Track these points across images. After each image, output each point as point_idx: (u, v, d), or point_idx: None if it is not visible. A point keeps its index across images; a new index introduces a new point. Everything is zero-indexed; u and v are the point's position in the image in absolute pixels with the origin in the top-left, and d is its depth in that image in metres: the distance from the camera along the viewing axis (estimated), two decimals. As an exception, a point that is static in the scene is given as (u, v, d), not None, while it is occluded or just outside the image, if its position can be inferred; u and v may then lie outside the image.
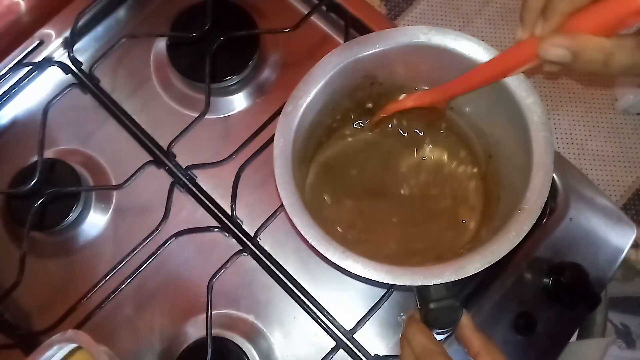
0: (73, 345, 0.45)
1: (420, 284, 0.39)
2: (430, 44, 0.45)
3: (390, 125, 0.53)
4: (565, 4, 0.33)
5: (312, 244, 0.40)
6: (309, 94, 0.44)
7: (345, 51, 0.45)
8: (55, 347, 0.44)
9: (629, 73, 0.33)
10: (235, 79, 0.60)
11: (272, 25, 0.63)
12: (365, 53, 0.45)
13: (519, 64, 0.39)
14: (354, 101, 0.51)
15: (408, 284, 0.39)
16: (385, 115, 0.51)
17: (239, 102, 0.61)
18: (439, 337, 0.50)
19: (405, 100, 0.50)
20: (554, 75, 1.27)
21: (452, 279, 0.39)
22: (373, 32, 0.57)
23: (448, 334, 0.50)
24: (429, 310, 0.40)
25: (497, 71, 0.42)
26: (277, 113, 0.57)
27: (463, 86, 0.45)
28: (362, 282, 0.54)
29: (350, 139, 0.54)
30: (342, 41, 0.61)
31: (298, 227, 0.41)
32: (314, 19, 0.62)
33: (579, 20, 0.33)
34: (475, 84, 0.44)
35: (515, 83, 0.43)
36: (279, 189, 0.42)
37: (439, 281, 0.39)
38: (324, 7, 0.61)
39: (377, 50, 0.45)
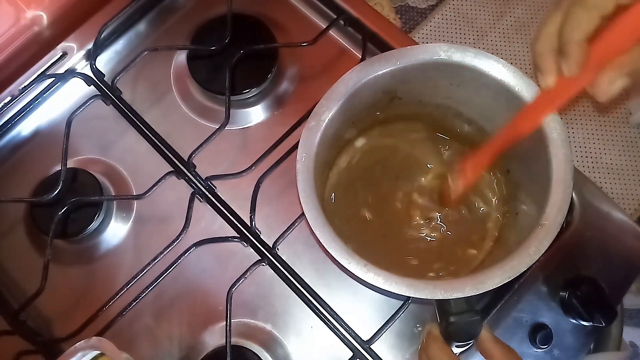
0: (96, 353, 0.46)
1: (440, 298, 0.40)
2: (451, 61, 0.45)
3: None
4: (577, 33, 0.34)
5: (334, 256, 0.41)
6: (330, 110, 0.45)
7: (366, 67, 0.46)
8: (79, 354, 0.45)
9: None
10: (254, 91, 0.61)
11: (291, 39, 0.64)
12: (385, 70, 0.46)
13: (559, 106, 0.39)
14: (373, 115, 0.52)
15: (429, 297, 0.40)
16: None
17: (257, 114, 0.62)
18: (457, 350, 0.50)
19: (466, 175, 0.48)
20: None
21: (473, 293, 0.39)
22: (390, 46, 0.59)
23: (466, 347, 0.51)
24: (449, 323, 0.41)
25: (534, 120, 0.42)
26: (296, 125, 0.58)
27: (506, 141, 0.44)
28: (380, 293, 0.55)
29: (367, 152, 0.54)
30: (359, 55, 0.62)
31: (320, 240, 0.41)
32: (332, 33, 0.63)
33: (603, 45, 0.33)
34: (515, 137, 0.43)
35: (535, 101, 0.44)
36: (301, 202, 0.43)
37: (460, 295, 0.39)
38: (341, 22, 0.62)
39: (397, 66, 0.46)
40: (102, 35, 0.61)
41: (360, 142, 0.55)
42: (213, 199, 0.57)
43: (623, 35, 0.33)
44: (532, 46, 0.36)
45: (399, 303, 0.52)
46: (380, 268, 0.41)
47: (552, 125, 0.43)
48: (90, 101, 0.59)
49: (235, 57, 0.57)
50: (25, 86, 0.62)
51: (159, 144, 0.59)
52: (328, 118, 0.45)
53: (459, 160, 0.49)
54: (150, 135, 0.60)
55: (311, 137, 0.45)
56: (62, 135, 0.56)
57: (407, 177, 0.54)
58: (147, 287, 0.53)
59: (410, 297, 0.51)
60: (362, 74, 0.46)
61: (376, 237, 0.52)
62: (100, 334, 0.53)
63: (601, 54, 0.34)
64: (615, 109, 1.26)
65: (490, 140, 0.45)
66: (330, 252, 0.41)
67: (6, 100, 0.62)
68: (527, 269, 0.41)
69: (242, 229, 0.56)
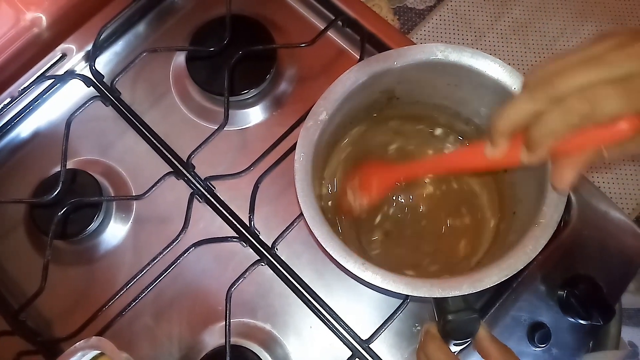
0: (95, 352, 0.46)
1: (438, 296, 0.40)
2: (447, 61, 0.46)
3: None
4: (551, 140, 0.34)
5: (332, 255, 0.41)
6: (328, 110, 0.46)
7: (363, 68, 0.46)
8: (79, 354, 0.45)
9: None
10: (252, 92, 0.61)
11: (289, 40, 0.64)
12: (383, 70, 0.46)
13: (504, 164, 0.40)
14: (370, 116, 0.52)
15: (426, 295, 0.40)
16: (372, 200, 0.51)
17: (256, 114, 0.62)
18: (455, 349, 0.51)
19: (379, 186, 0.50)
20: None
21: (470, 292, 0.40)
22: (388, 47, 0.60)
23: (464, 345, 0.51)
24: (447, 321, 0.41)
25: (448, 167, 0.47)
26: (294, 126, 0.58)
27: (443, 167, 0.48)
28: (379, 292, 0.55)
29: (366, 152, 0.54)
30: (357, 56, 0.62)
31: (319, 238, 0.42)
32: (330, 34, 0.64)
33: (563, 146, 0.34)
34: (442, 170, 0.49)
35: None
36: (300, 201, 0.43)
37: (457, 293, 0.40)
38: (340, 23, 0.63)
39: (394, 66, 0.46)
40: (102, 37, 0.62)
41: (358, 142, 0.55)
42: (212, 200, 0.58)
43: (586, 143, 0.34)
44: (495, 121, 0.36)
45: (398, 302, 0.52)
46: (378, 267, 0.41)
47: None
48: (89, 102, 0.59)
49: (234, 58, 0.57)
50: (24, 87, 0.62)
51: (158, 145, 0.60)
52: (326, 118, 0.45)
53: (361, 175, 0.50)
54: (150, 136, 0.60)
55: (309, 137, 0.45)
56: (61, 136, 0.56)
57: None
58: (146, 287, 0.53)
59: (408, 295, 0.52)
60: (359, 74, 0.46)
61: (374, 236, 0.52)
62: (100, 334, 0.53)
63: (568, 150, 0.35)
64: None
65: (407, 163, 0.48)
66: (328, 250, 0.41)
67: (6, 102, 0.62)
68: (525, 267, 0.41)
69: (241, 229, 0.56)
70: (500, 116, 0.35)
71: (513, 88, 0.44)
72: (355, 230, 0.52)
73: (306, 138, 0.45)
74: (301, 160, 0.44)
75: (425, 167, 0.48)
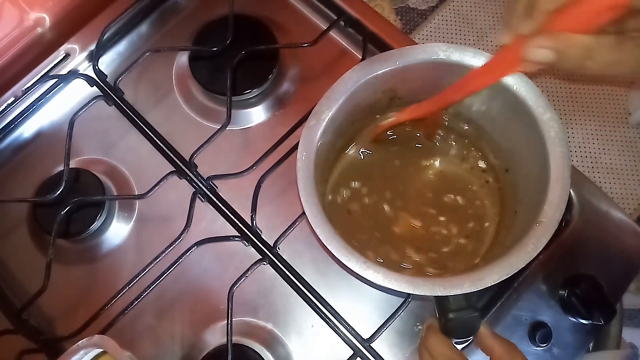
0: (98, 350, 0.46)
1: (439, 294, 0.40)
2: (449, 60, 0.46)
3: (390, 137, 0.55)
4: (549, 3, 0.35)
5: (334, 254, 0.41)
6: (330, 109, 0.46)
7: (366, 67, 0.46)
8: (81, 352, 0.45)
9: (609, 71, 0.35)
10: (255, 92, 0.61)
11: (292, 40, 0.64)
12: (385, 69, 0.47)
13: (508, 68, 0.41)
14: (373, 114, 0.52)
15: (428, 294, 0.40)
16: (382, 129, 0.53)
17: (258, 114, 0.63)
18: (457, 347, 0.51)
19: (400, 114, 0.52)
20: (534, 74, 1.28)
21: (471, 290, 0.40)
22: (390, 47, 0.60)
23: (466, 343, 0.51)
24: (448, 320, 0.41)
25: (488, 77, 0.44)
26: (296, 126, 0.58)
27: (457, 94, 0.47)
28: (381, 290, 0.55)
29: (367, 151, 0.55)
30: (359, 56, 0.63)
31: (321, 237, 0.42)
32: (333, 34, 0.64)
33: (559, 20, 0.35)
34: (468, 91, 0.46)
35: (533, 99, 0.44)
36: (302, 200, 0.43)
37: (458, 292, 0.40)
38: (342, 23, 0.63)
39: (397, 66, 0.46)
40: (105, 37, 0.62)
41: (359, 142, 0.56)
42: (214, 199, 0.58)
43: (579, 15, 0.34)
44: (506, 5, 0.37)
45: (399, 302, 0.52)
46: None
47: (550, 123, 0.43)
48: (92, 102, 0.60)
49: (236, 58, 0.57)
50: (28, 87, 0.63)
51: (161, 144, 0.60)
52: (328, 117, 0.46)
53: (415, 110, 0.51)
54: (152, 135, 0.60)
55: (311, 136, 0.45)
56: (64, 135, 0.56)
57: (406, 177, 0.54)
58: (148, 286, 0.54)
59: (409, 294, 0.52)
60: (361, 73, 0.46)
61: (375, 236, 0.52)
62: (102, 332, 0.53)
63: (559, 29, 0.35)
64: (614, 110, 1.26)
65: (446, 90, 0.47)
66: (330, 249, 0.41)
67: (9, 101, 0.62)
68: (526, 267, 0.41)
69: (243, 228, 0.57)
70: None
71: (514, 88, 0.45)
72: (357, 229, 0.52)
73: (308, 137, 0.45)
74: (303, 159, 0.44)
75: (451, 94, 0.48)
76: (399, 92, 0.51)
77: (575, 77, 1.29)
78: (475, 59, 0.46)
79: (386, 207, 0.53)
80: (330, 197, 0.53)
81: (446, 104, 0.49)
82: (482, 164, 0.53)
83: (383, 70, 0.47)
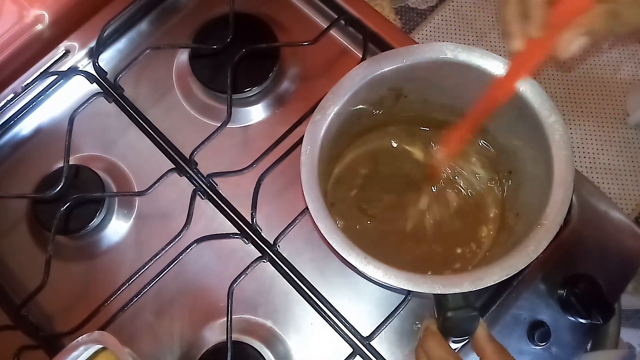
0: (98, 346, 0.46)
1: (438, 292, 0.40)
2: (457, 60, 0.46)
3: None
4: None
5: (335, 248, 0.41)
6: (336, 104, 0.46)
7: (372, 64, 0.47)
8: (81, 348, 0.45)
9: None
10: (255, 90, 0.61)
11: (292, 39, 0.64)
12: (392, 67, 0.47)
13: (531, 68, 0.41)
14: (377, 114, 0.52)
15: (427, 291, 0.40)
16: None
17: (258, 112, 0.63)
18: (454, 346, 0.51)
19: (451, 142, 0.50)
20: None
21: (470, 289, 0.40)
22: (390, 46, 0.60)
23: (464, 342, 0.51)
24: (446, 318, 0.41)
25: (512, 84, 0.44)
26: (296, 124, 0.58)
27: (489, 106, 0.46)
28: (381, 287, 0.55)
29: (372, 148, 0.55)
30: (360, 55, 0.63)
31: (322, 231, 0.42)
32: (333, 32, 0.64)
33: (561, 6, 0.35)
34: (498, 101, 0.45)
35: (538, 102, 0.44)
36: (305, 194, 0.43)
37: (457, 291, 0.40)
38: (342, 22, 0.63)
39: (404, 64, 0.46)
40: (105, 34, 0.62)
41: (364, 140, 0.56)
42: (214, 196, 0.58)
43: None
44: (499, 12, 0.38)
45: (399, 300, 0.52)
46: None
47: (555, 127, 0.43)
48: (92, 99, 0.60)
49: (237, 56, 0.57)
50: (28, 84, 0.62)
51: (161, 142, 0.60)
52: (334, 112, 0.46)
53: (442, 137, 0.51)
54: (152, 132, 0.60)
55: (316, 131, 0.45)
56: (64, 132, 0.56)
57: (409, 176, 0.54)
58: (148, 283, 0.54)
59: (409, 292, 0.52)
60: (368, 70, 0.46)
61: (376, 234, 0.52)
62: (101, 329, 0.53)
63: (562, 14, 0.36)
64: (612, 110, 1.27)
65: (470, 112, 0.46)
66: (331, 244, 0.41)
67: (9, 98, 0.62)
68: (526, 267, 0.41)
69: (243, 226, 0.57)
70: (503, 4, 0.38)
71: (521, 89, 0.45)
72: (359, 227, 0.52)
73: (313, 131, 0.45)
74: (307, 153, 0.44)
75: (487, 105, 0.46)
76: (405, 91, 0.51)
77: (575, 77, 1.30)
78: (482, 60, 0.45)
79: (388, 207, 0.53)
80: (332, 193, 0.53)
81: (481, 120, 0.48)
82: (485, 165, 0.53)
83: (390, 68, 0.47)
